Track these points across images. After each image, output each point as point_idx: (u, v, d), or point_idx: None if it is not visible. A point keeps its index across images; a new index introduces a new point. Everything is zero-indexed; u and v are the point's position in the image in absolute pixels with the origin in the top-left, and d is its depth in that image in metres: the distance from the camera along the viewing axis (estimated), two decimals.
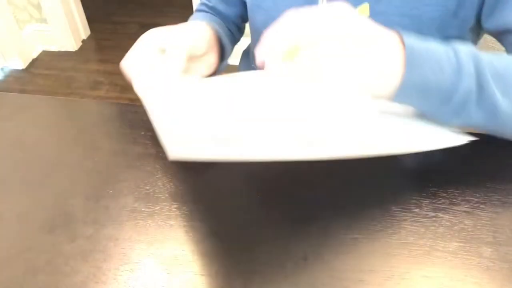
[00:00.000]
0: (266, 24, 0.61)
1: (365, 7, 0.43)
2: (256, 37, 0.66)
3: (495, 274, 0.37)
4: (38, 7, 2.06)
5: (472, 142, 0.49)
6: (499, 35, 0.53)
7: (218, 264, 0.38)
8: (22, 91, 1.92)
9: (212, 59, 0.56)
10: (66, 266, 0.38)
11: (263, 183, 0.46)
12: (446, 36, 0.54)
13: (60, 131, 0.53)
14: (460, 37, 0.55)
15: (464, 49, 0.41)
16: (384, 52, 0.38)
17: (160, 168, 0.48)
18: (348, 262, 0.38)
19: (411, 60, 0.38)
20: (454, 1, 0.50)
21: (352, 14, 0.38)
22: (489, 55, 0.42)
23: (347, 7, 0.38)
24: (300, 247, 0.39)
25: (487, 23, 0.52)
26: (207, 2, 0.71)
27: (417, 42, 0.39)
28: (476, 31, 0.57)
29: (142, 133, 0.52)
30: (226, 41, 0.61)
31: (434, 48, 0.40)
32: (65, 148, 0.51)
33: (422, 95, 0.40)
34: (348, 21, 0.38)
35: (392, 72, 0.38)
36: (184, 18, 0.72)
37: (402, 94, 0.39)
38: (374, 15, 0.52)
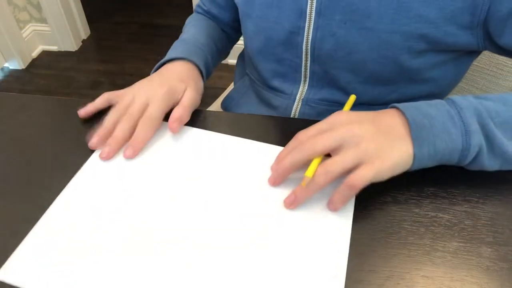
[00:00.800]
0: (256, 33, 0.62)
1: (352, 98, 0.50)
2: (248, 44, 0.66)
3: (495, 274, 0.37)
4: (38, 7, 2.06)
5: None
6: None
7: None
8: (22, 91, 1.92)
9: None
10: None
11: None
12: (439, 51, 0.54)
13: (60, 131, 0.53)
14: (454, 54, 0.55)
15: (465, 104, 0.42)
16: (397, 138, 0.41)
17: None
18: (348, 262, 0.38)
19: (418, 137, 0.41)
20: (444, 19, 0.50)
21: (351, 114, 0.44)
22: (490, 102, 0.43)
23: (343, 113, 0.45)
24: None
25: (501, 42, 0.51)
26: (202, 6, 0.74)
27: (418, 114, 0.42)
28: (475, 48, 0.56)
29: None
30: (207, 67, 0.64)
31: (436, 114, 0.42)
32: (65, 148, 0.51)
33: (437, 161, 0.43)
34: (356, 122, 0.43)
35: (406, 153, 0.41)
36: (184, 18, 0.73)
37: (417, 165, 0.42)
38: (364, 31, 0.53)
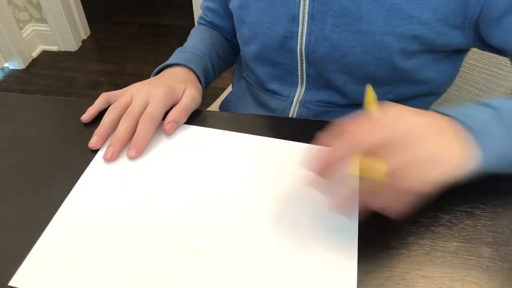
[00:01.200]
0: (251, 38, 0.63)
1: (369, 90, 0.40)
2: (244, 49, 0.67)
3: (495, 274, 0.37)
4: (38, 7, 2.06)
5: None
6: (504, 52, 0.52)
7: None
8: (22, 91, 1.92)
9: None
10: None
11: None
12: (431, 51, 0.54)
13: (60, 131, 0.53)
14: (446, 52, 0.55)
15: (505, 105, 0.39)
16: (454, 143, 0.36)
17: None
18: None
19: (482, 139, 0.36)
20: (437, 19, 0.50)
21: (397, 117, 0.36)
22: None
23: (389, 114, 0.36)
24: None
25: (493, 42, 0.51)
26: (204, 17, 0.76)
27: (472, 121, 0.37)
28: (465, 48, 0.57)
29: None
30: (206, 74, 0.64)
31: (486, 118, 0.38)
32: (65, 148, 0.51)
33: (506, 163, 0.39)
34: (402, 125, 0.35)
35: (467, 157, 0.36)
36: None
37: (484, 166, 0.37)
38: (357, 34, 0.53)
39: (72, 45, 2.18)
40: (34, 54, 2.16)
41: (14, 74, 2.05)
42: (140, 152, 0.48)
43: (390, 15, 0.51)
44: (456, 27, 0.51)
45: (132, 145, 0.48)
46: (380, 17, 0.51)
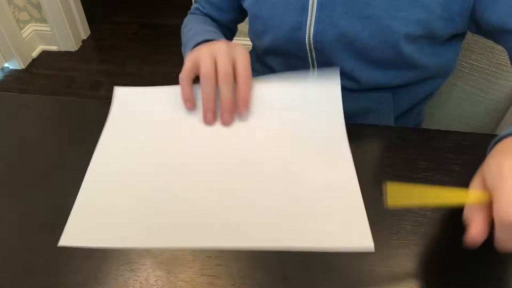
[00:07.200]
0: (263, 32, 0.65)
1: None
2: (257, 43, 0.69)
3: (493, 273, 0.37)
4: (38, 7, 2.06)
5: (473, 142, 0.49)
6: (498, 34, 0.53)
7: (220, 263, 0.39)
8: (22, 91, 1.92)
9: None
10: (66, 266, 0.38)
11: None
12: (432, 36, 0.56)
13: (60, 131, 0.53)
14: (443, 38, 0.57)
15: None
16: None
17: None
18: (349, 262, 0.38)
19: None
20: (438, 3, 0.52)
21: None
22: None
23: None
24: None
25: (489, 24, 0.52)
26: (201, 9, 0.75)
27: None
28: (463, 33, 0.59)
29: None
30: None
31: None
32: (65, 148, 0.51)
33: None
34: None
35: None
36: (184, 18, 0.73)
37: None
38: (364, 19, 0.55)
39: (72, 45, 2.18)
40: (34, 54, 2.16)
41: (14, 74, 2.05)
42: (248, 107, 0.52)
43: None
44: (456, 13, 0.53)
45: (239, 102, 0.51)
46: (386, 1, 0.53)
